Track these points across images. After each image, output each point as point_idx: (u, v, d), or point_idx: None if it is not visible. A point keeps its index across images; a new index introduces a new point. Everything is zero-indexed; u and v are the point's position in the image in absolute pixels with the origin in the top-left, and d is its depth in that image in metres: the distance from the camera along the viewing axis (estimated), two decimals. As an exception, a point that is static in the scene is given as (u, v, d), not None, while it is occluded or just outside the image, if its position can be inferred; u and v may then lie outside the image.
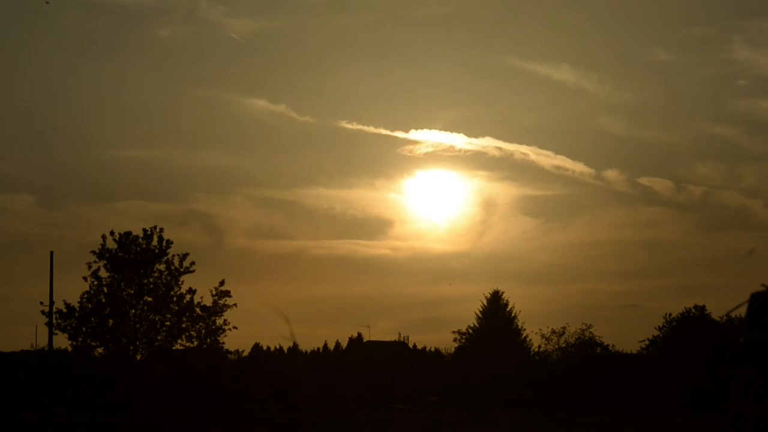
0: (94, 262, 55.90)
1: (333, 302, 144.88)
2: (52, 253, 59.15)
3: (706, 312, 75.16)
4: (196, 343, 55.83)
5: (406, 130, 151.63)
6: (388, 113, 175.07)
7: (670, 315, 75.85)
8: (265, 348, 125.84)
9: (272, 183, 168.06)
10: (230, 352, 60.30)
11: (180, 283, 56.36)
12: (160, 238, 56.55)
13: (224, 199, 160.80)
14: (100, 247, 55.96)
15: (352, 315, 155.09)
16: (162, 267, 56.27)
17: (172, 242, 56.79)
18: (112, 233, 56.22)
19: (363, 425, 49.12)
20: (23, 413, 53.11)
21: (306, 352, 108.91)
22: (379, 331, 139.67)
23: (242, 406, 63.00)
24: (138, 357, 56.36)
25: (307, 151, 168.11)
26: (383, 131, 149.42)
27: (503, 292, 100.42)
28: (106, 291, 55.62)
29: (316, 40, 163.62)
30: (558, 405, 65.89)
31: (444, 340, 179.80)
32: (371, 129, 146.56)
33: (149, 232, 56.52)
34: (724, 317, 72.55)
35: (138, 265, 55.87)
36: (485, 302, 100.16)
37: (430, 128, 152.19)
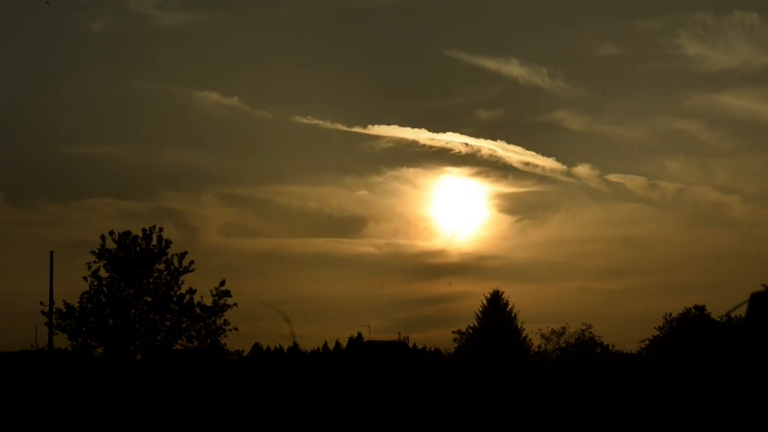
0: (94, 262, 55.90)
1: (319, 301, 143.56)
2: (52, 253, 59.17)
3: (705, 312, 75.10)
4: (196, 343, 55.78)
5: (364, 126, 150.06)
6: (340, 108, 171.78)
7: (670, 315, 75.83)
8: (265, 348, 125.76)
9: (240, 180, 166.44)
10: (230, 353, 60.21)
11: (180, 283, 56.32)
12: (160, 238, 56.52)
13: (193, 197, 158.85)
14: (99, 247, 55.96)
15: (341, 313, 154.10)
16: (162, 267, 56.22)
17: (171, 242, 56.80)
18: (111, 233, 56.22)
19: (364, 425, 49.15)
20: (23, 413, 53.13)
21: (306, 351, 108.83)
22: (360, 328, 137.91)
23: (242, 406, 62.96)
24: (138, 357, 56.31)
25: (269, 146, 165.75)
26: (340, 126, 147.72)
27: (503, 292, 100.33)
28: (106, 291, 55.56)
29: (252, 33, 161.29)
30: (558, 405, 65.85)
31: (435, 339, 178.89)
32: (327, 124, 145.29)
33: (149, 232, 56.52)
34: (724, 317, 72.50)
35: (138, 265, 55.82)
36: (485, 302, 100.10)
37: (388, 123, 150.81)
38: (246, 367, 79.73)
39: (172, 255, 56.27)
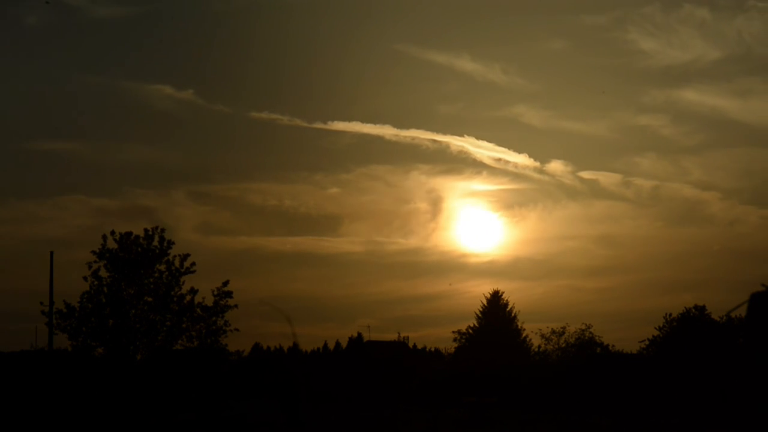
0: (95, 262, 56.02)
1: (307, 300, 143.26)
2: (52, 253, 59.31)
3: (706, 312, 75.05)
4: (196, 343, 55.87)
5: (324, 122, 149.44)
6: (295, 103, 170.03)
7: (670, 315, 75.74)
8: (265, 348, 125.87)
9: (208, 178, 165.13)
10: (231, 353, 60.33)
11: (181, 283, 56.42)
12: (161, 239, 56.63)
13: (163, 194, 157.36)
14: (100, 247, 56.08)
15: (330, 312, 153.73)
16: (162, 267, 56.32)
17: (173, 243, 56.92)
18: (112, 233, 56.40)
19: (364, 426, 49.14)
20: (23, 413, 53.17)
21: (306, 351, 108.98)
22: (360, 329, 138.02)
23: (242, 407, 63.04)
24: (138, 357, 56.41)
25: (232, 142, 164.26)
26: (299, 122, 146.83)
27: (503, 292, 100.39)
28: (106, 291, 55.65)
29: (194, 25, 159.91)
30: (558, 405, 65.88)
31: (427, 338, 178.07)
32: (286, 120, 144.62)
33: (150, 233, 56.64)
34: (724, 317, 72.47)
35: (138, 266, 55.92)
36: (485, 302, 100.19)
37: (348, 120, 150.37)
38: (246, 367, 79.79)
39: (174, 256, 56.47)
